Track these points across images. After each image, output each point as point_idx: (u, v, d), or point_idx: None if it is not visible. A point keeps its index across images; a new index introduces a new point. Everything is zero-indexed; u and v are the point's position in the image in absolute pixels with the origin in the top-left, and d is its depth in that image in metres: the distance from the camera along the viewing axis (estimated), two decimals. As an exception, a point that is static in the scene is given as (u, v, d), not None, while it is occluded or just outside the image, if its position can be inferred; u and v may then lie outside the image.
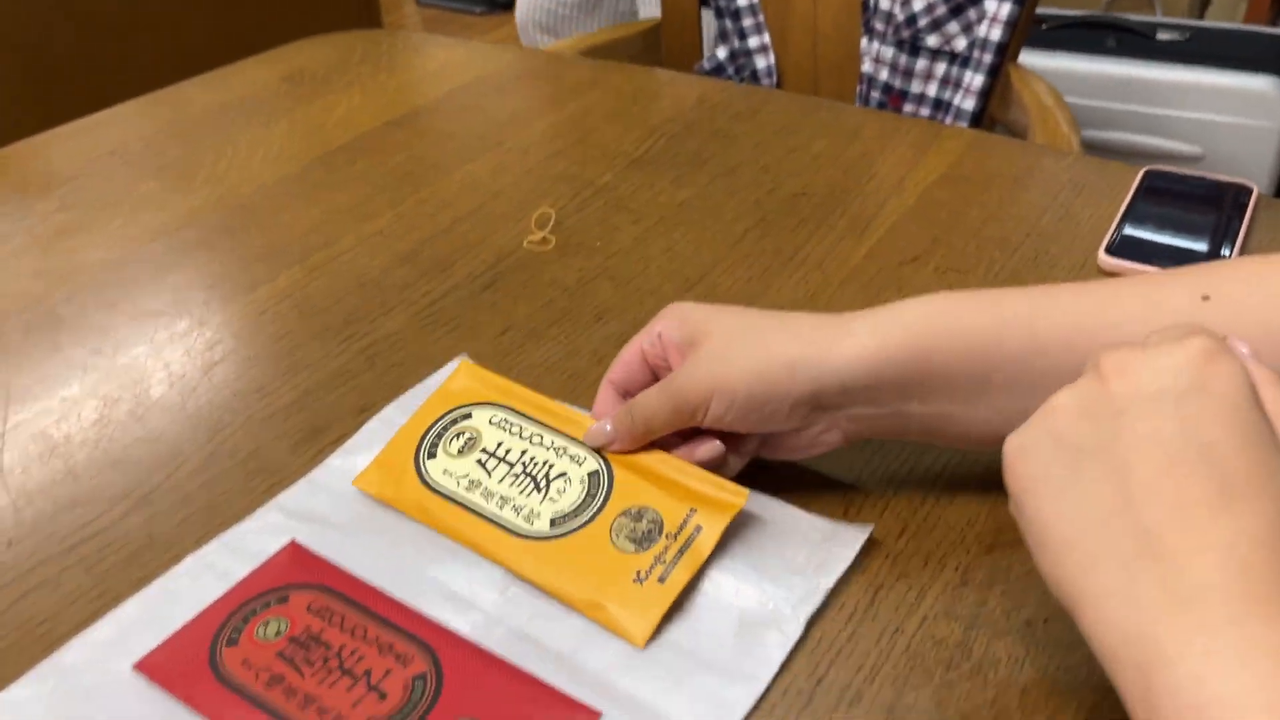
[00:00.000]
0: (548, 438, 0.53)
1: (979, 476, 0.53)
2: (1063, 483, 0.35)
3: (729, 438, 0.51)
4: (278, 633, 0.45)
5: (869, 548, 0.49)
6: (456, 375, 0.58)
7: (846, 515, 0.51)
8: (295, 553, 0.49)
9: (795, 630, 0.45)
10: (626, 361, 0.53)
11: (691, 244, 0.72)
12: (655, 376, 0.53)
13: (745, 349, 0.49)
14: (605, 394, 0.54)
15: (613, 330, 0.64)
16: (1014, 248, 0.70)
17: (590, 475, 0.51)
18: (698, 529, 0.49)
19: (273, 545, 0.50)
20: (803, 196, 0.77)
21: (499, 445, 0.53)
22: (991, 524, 0.50)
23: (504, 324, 0.65)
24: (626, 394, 0.53)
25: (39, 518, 0.53)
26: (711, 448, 0.50)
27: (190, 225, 0.77)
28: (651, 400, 0.50)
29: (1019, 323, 0.46)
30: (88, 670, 0.44)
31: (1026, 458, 0.36)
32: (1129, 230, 0.70)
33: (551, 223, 0.74)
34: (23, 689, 0.44)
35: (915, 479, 0.53)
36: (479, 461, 0.53)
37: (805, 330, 0.49)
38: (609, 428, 0.52)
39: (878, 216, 0.74)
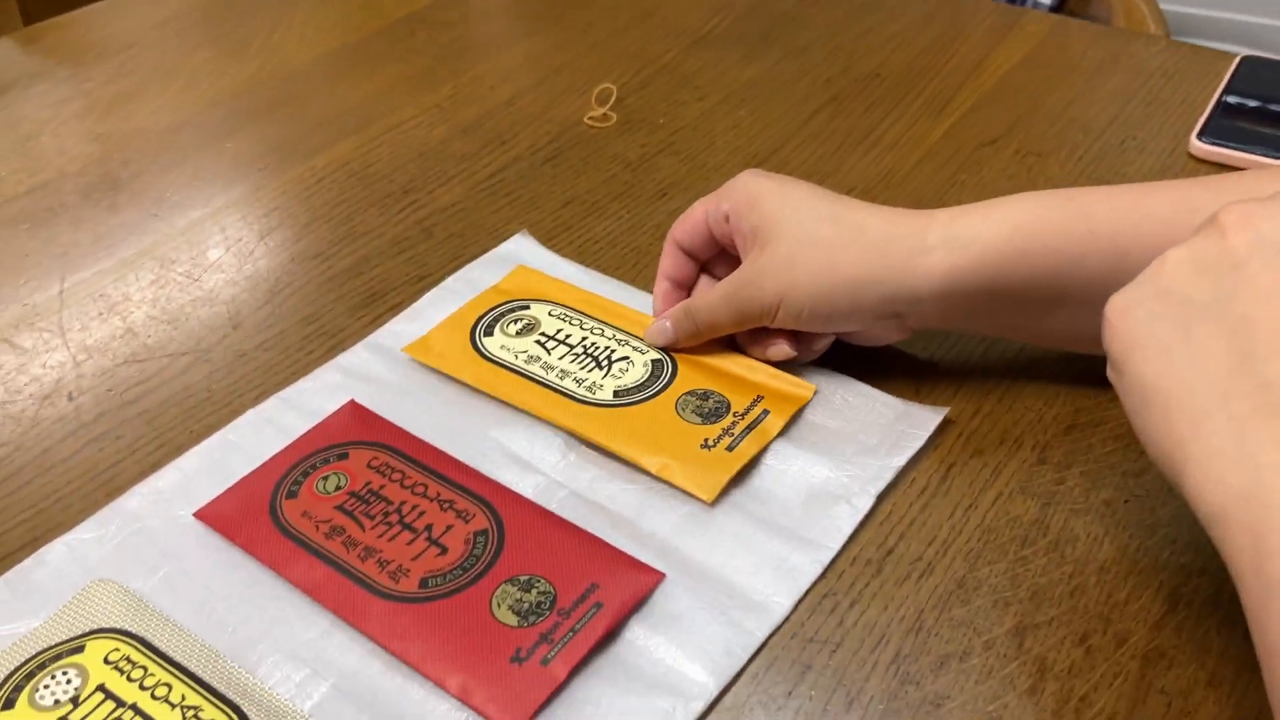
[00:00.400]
0: (609, 330, 0.52)
1: (1058, 356, 0.50)
2: (1171, 340, 0.33)
3: (800, 332, 0.49)
4: (337, 487, 0.45)
5: (942, 426, 0.47)
6: (512, 275, 0.56)
7: (919, 395, 0.49)
8: (355, 411, 0.49)
9: (865, 504, 0.44)
10: (693, 224, 0.51)
11: (759, 122, 0.70)
12: (717, 242, 0.51)
13: (813, 265, 0.46)
14: (669, 263, 0.52)
15: (676, 206, 0.62)
16: (1098, 133, 0.67)
17: (654, 362, 0.50)
18: (764, 413, 0.47)
19: (331, 404, 0.49)
20: (876, 78, 0.74)
21: (558, 331, 0.52)
22: (1070, 404, 0.48)
23: (565, 197, 0.63)
24: (689, 255, 0.51)
25: (99, 372, 0.52)
26: (780, 350, 0.49)
27: (248, 93, 0.75)
28: (716, 305, 0.48)
29: (1104, 238, 0.43)
30: (150, 516, 0.44)
31: (1132, 317, 0.34)
32: (1223, 116, 0.66)
33: (613, 99, 0.72)
34: (87, 531, 0.44)
35: (991, 358, 0.51)
36: (538, 341, 0.51)
37: (879, 242, 0.46)
38: (669, 326, 0.50)
39: (955, 98, 0.71)
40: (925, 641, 0.39)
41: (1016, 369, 0.50)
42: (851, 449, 0.46)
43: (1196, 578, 0.41)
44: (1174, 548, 0.42)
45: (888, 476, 0.45)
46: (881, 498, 0.44)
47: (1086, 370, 0.49)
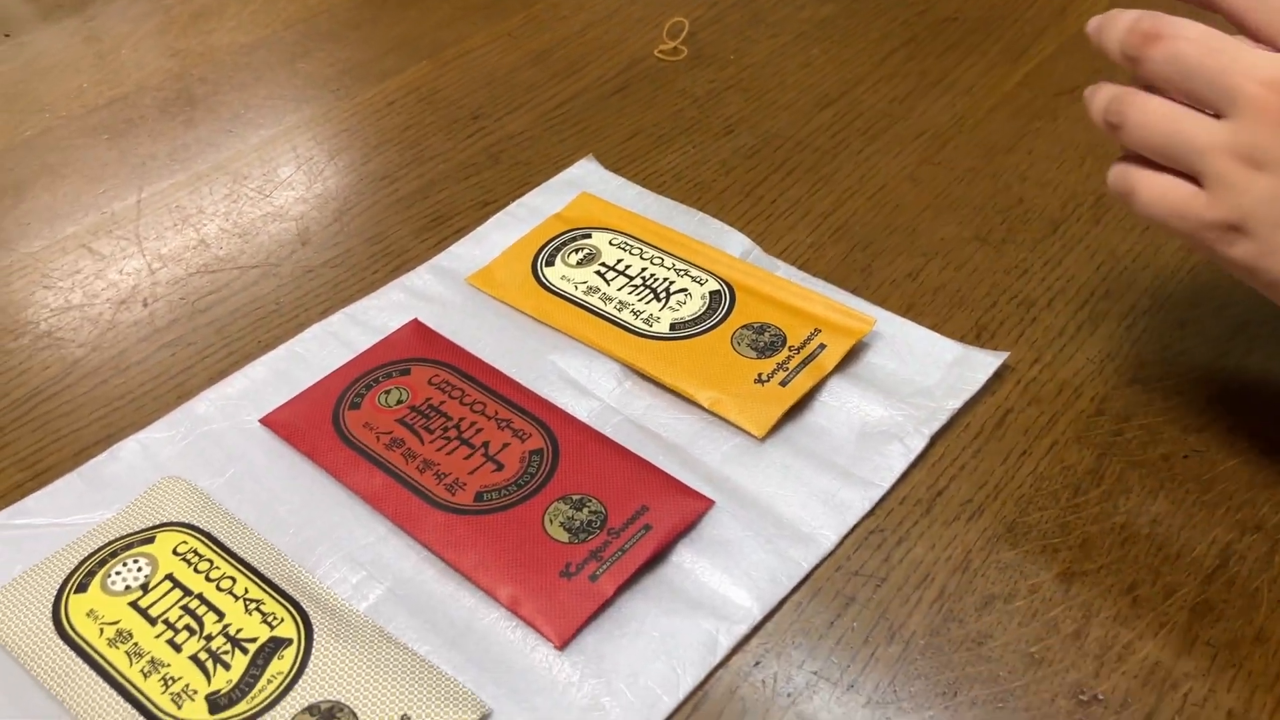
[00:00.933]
0: (668, 260, 0.52)
1: (1124, 309, 0.50)
2: None
3: None
4: (399, 401, 0.46)
5: (1000, 372, 0.47)
6: (575, 203, 0.56)
7: (979, 340, 0.49)
8: (418, 329, 0.50)
9: (918, 444, 0.44)
10: None
11: (832, 61, 0.69)
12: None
13: None
14: None
15: (743, 143, 0.62)
16: (1183, 85, 0.65)
17: (712, 293, 0.50)
18: (821, 346, 0.47)
19: (395, 322, 0.50)
20: (954, 21, 0.73)
21: (618, 261, 0.52)
22: (1133, 358, 0.47)
23: (631, 129, 0.63)
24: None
25: (172, 280, 0.54)
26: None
27: (322, 15, 0.76)
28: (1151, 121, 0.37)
29: None
30: (218, 420, 0.46)
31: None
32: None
33: (684, 33, 0.71)
34: (158, 431, 0.45)
35: (1055, 307, 0.50)
36: (597, 272, 0.52)
37: None
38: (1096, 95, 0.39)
39: (1035, 44, 0.69)
40: (971, 581, 0.39)
41: (1080, 320, 0.50)
42: (907, 389, 0.46)
43: (1251, 534, 0.40)
44: (1230, 504, 0.41)
45: (942, 418, 0.45)
46: (935, 439, 0.44)
47: (1154, 325, 0.49)
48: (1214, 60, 0.35)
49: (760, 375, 0.46)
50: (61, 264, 0.55)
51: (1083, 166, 0.59)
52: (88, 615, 0.38)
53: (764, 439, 0.44)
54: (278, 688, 0.35)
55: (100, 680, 0.36)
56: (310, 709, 0.35)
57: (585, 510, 0.41)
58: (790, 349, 0.47)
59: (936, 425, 0.44)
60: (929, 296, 0.51)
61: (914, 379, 0.47)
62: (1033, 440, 0.44)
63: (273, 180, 0.60)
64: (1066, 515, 0.41)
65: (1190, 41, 0.36)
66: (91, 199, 0.59)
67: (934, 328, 0.49)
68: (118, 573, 0.39)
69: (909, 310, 0.50)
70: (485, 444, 0.44)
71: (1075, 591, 0.39)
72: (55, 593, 0.38)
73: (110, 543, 0.40)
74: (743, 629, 0.38)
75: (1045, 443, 0.44)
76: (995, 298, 0.51)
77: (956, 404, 0.45)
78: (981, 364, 0.47)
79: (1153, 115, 0.37)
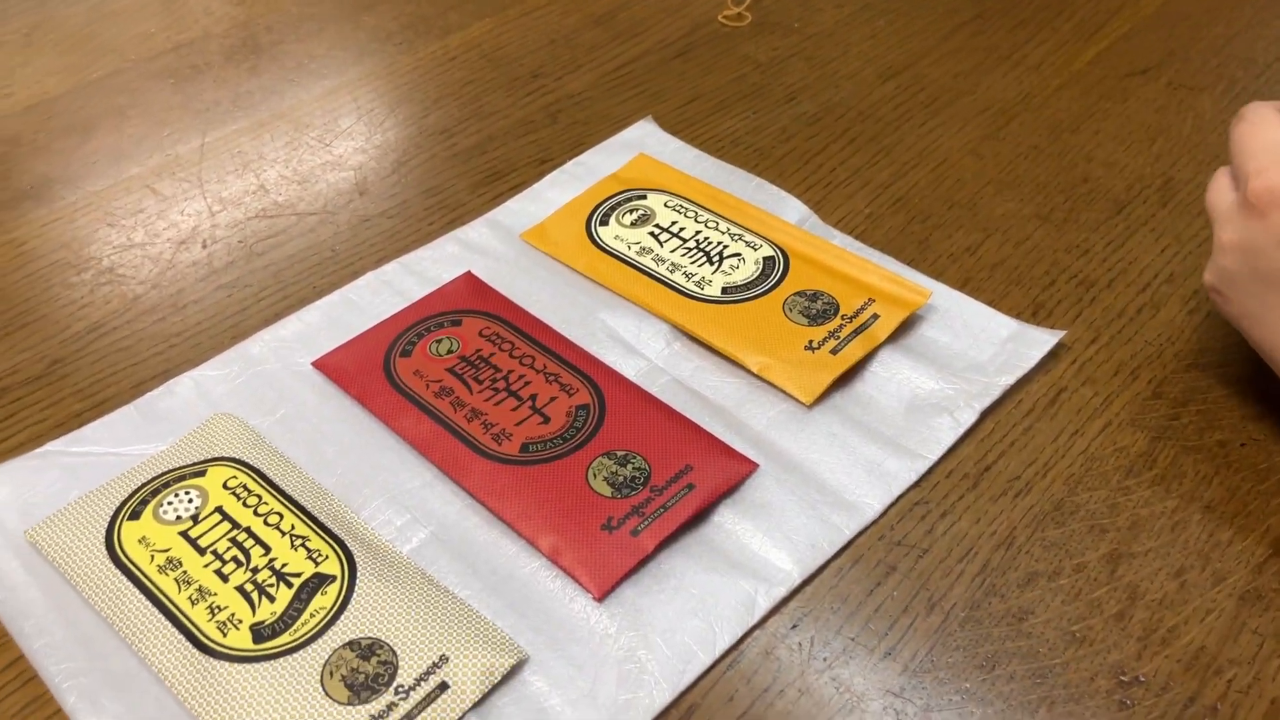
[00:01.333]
0: (723, 224, 0.52)
1: (1185, 294, 0.49)
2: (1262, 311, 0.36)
3: None
4: (449, 350, 0.46)
5: (1056, 351, 0.46)
6: (632, 164, 0.56)
7: (1035, 318, 0.48)
8: (470, 281, 0.50)
9: (968, 418, 0.43)
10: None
11: (898, 33, 0.68)
12: None
13: None
14: None
15: (804, 110, 0.61)
16: (1261, 68, 0.63)
17: (766, 259, 0.50)
18: (874, 316, 0.47)
19: (448, 273, 0.51)
20: (1025, -3, 0.71)
21: (673, 223, 0.52)
22: (1194, 343, 0.47)
23: (691, 93, 0.63)
24: None
25: (231, 224, 0.55)
26: None
27: (386, -31, 0.76)
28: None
29: None
30: (271, 361, 0.46)
31: (1225, 292, 0.40)
32: (1401, 62, 0.62)
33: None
34: (212, 369, 0.46)
35: (1116, 288, 0.49)
36: (651, 233, 0.52)
37: None
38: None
39: (1109, 23, 0.68)
40: (1014, 558, 0.39)
41: (1140, 302, 0.49)
42: (960, 363, 0.45)
43: (1307, 526, 0.39)
44: (1287, 495, 0.41)
45: (994, 394, 0.44)
46: (985, 414, 0.44)
47: (1216, 310, 0.48)
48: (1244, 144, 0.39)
49: (811, 342, 0.46)
50: (125, 203, 0.56)
51: (1152, 148, 0.57)
52: (139, 542, 0.38)
53: (811, 406, 0.44)
54: (320, 622, 0.36)
55: (149, 604, 0.36)
56: (351, 644, 0.35)
57: (629, 466, 0.41)
58: (843, 317, 0.47)
59: (988, 401, 0.44)
60: (986, 272, 0.50)
61: (967, 353, 0.46)
62: (1085, 420, 0.44)
63: (333, 130, 0.61)
64: (1116, 496, 0.41)
65: (1248, 124, 0.40)
66: (156, 141, 0.60)
67: (990, 304, 0.48)
68: (169, 503, 0.40)
69: (965, 285, 0.50)
70: (533, 397, 0.44)
71: (1121, 573, 0.38)
72: (109, 519, 0.39)
73: (163, 474, 0.41)
74: (781, 591, 0.38)
75: (1098, 423, 0.43)
76: (1054, 276, 0.50)
77: (1009, 380, 0.45)
78: (1037, 341, 0.46)
79: (1215, 183, 0.42)
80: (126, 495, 0.40)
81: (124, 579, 0.37)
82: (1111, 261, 0.51)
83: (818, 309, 0.47)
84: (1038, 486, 0.41)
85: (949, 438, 0.43)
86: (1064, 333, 0.46)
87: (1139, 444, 0.43)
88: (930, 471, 0.42)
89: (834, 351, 0.45)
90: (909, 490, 0.41)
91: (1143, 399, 0.44)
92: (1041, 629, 0.37)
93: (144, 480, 0.41)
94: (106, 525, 0.39)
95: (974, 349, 0.46)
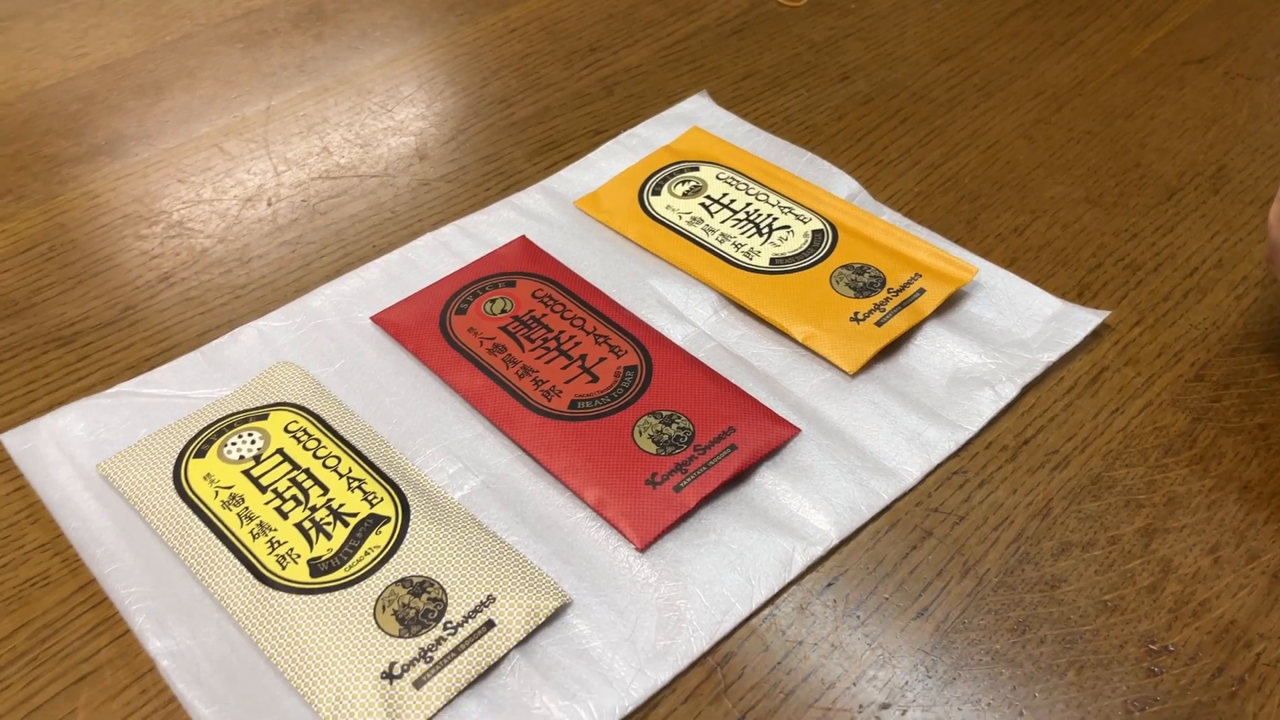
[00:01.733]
0: (773, 197, 0.53)
1: (1234, 281, 0.49)
2: None
3: None
4: (503, 310, 0.47)
5: (1099, 331, 0.47)
6: (685, 136, 0.57)
7: (1080, 299, 0.49)
8: (525, 245, 0.51)
9: (1010, 392, 0.44)
10: None
11: (954, 17, 0.68)
12: None
13: None
14: None
15: (858, 89, 0.62)
16: (1321, 61, 0.63)
17: (814, 232, 0.51)
18: (920, 291, 0.48)
19: (504, 237, 0.52)
20: (1084, -17, 0.71)
21: (724, 195, 0.53)
22: (1239, 328, 0.47)
23: (746, 70, 0.64)
24: None
25: (295, 183, 0.56)
26: None
27: (450, -57, 0.77)
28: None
29: None
30: (331, 314, 0.48)
31: None
32: None
33: (807, -20, 0.71)
34: (276, 320, 0.48)
35: (1163, 272, 0.50)
36: (702, 204, 0.53)
37: None
38: None
39: (1167, 12, 0.68)
40: (1050, 528, 0.40)
41: (1187, 287, 0.49)
42: (1003, 339, 0.46)
43: (1345, 509, 0.40)
44: (1326, 479, 0.41)
45: (1036, 370, 0.45)
46: (1026, 389, 0.44)
47: (1265, 297, 0.48)
48: None
49: (856, 314, 0.47)
50: (194, 160, 0.58)
51: (1205, 136, 0.57)
52: (205, 478, 0.40)
53: (854, 375, 0.45)
54: (374, 559, 0.37)
55: (213, 537, 0.38)
56: (403, 581, 0.37)
57: (674, 426, 0.42)
58: (889, 291, 0.48)
59: (1030, 376, 0.44)
60: (1033, 253, 0.51)
61: (1011, 330, 0.47)
62: (1127, 399, 0.44)
63: (395, 96, 0.62)
64: (1154, 474, 0.41)
65: None
66: (224, 103, 0.62)
67: (1036, 284, 0.49)
68: (233, 443, 0.42)
69: (1011, 265, 0.50)
70: (583, 356, 0.45)
71: (1155, 547, 0.39)
72: (176, 456, 0.41)
73: (228, 416, 0.43)
74: (818, 550, 0.39)
75: (1139, 402, 0.44)
76: (1101, 259, 0.51)
77: (1052, 357, 0.45)
78: (1081, 320, 0.47)
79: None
80: (193, 435, 0.42)
81: (189, 512, 0.39)
82: (1159, 246, 0.51)
83: (864, 282, 0.48)
84: (1076, 460, 0.42)
85: (989, 410, 0.43)
86: (1108, 313, 0.47)
87: (1179, 424, 0.43)
88: (970, 442, 0.43)
89: (879, 324, 0.46)
90: (948, 459, 0.42)
91: (1185, 380, 0.45)
92: (1074, 597, 0.37)
93: (210, 421, 0.43)
94: (174, 462, 0.41)
95: (1018, 326, 0.47)
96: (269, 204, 0.55)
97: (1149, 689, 0.35)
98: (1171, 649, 0.36)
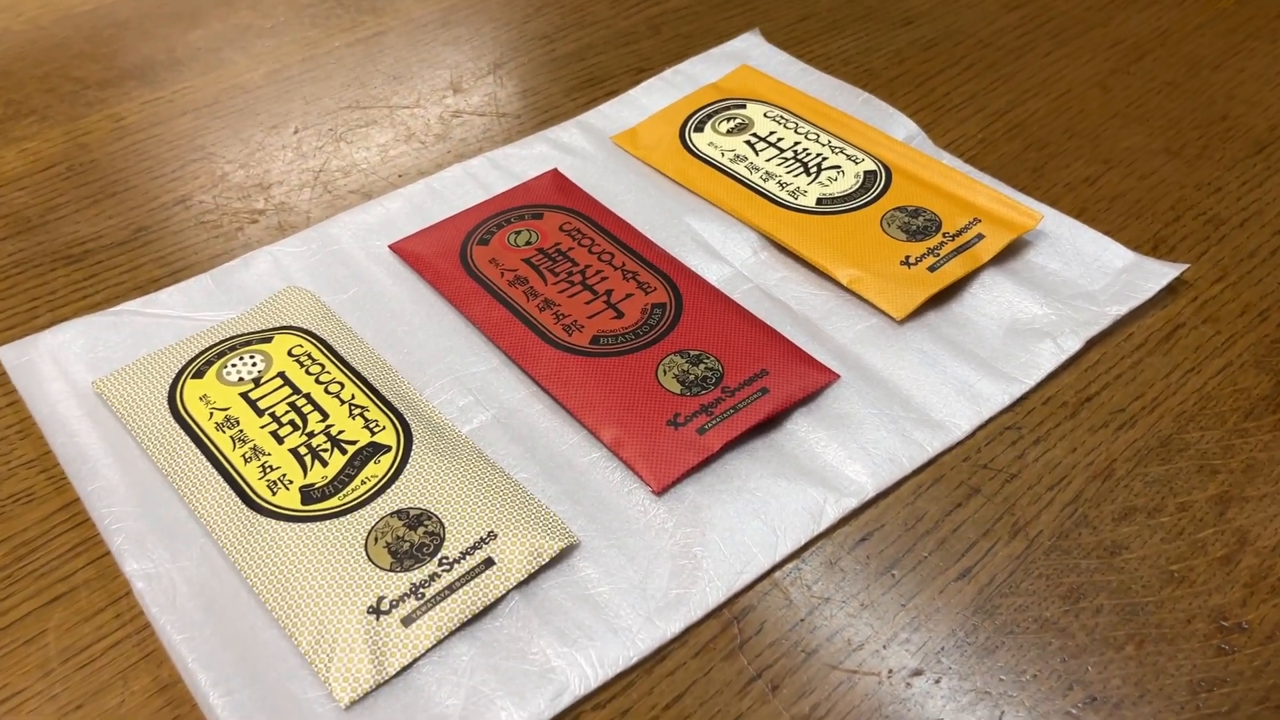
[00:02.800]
0: (824, 137, 0.49)
1: (1330, 239, 0.44)
2: None
3: None
4: (527, 242, 0.45)
5: (1175, 287, 0.43)
6: (734, 74, 0.54)
7: (1155, 252, 0.44)
8: (556, 178, 0.48)
9: (1073, 345, 0.40)
10: None
11: (1028, -37, 0.64)
12: None
13: None
14: None
15: (921, 34, 0.58)
16: None
17: (867, 173, 0.47)
18: (979, 236, 0.44)
19: (535, 171, 0.49)
20: (1172, -66, 0.66)
21: (771, 133, 0.50)
22: (1334, 289, 0.42)
23: (803, 12, 0.60)
24: None
25: (324, 112, 0.54)
26: None
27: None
28: None
29: None
30: (349, 241, 0.46)
31: None
32: None
33: (873, -75, 0.67)
34: (291, 246, 0.45)
35: (1249, 228, 0.45)
36: (747, 142, 0.49)
37: None
38: None
39: (1262, -38, 0.63)
40: (1112, 490, 0.36)
41: (1275, 244, 0.45)
42: (1068, 291, 0.42)
43: None
44: None
45: (1103, 323, 0.41)
46: (1091, 344, 0.40)
47: (1362, 254, 0.43)
48: None
49: (908, 258, 0.43)
50: (223, 88, 0.56)
51: (1301, 88, 0.53)
52: (200, 399, 0.38)
53: (902, 322, 0.41)
54: (370, 489, 0.35)
55: (203, 458, 0.36)
56: (399, 513, 0.34)
57: (701, 366, 0.39)
58: (945, 235, 0.44)
59: (1095, 330, 0.41)
60: (1104, 204, 0.47)
61: (1077, 281, 0.43)
62: (1204, 359, 0.40)
63: (432, 31, 0.60)
64: (1232, 438, 0.37)
65: None
66: (258, 32, 0.60)
67: (1106, 235, 0.45)
68: (233, 365, 0.39)
69: (1080, 215, 0.46)
70: (608, 292, 0.42)
71: (1231, 516, 0.35)
72: (174, 376, 0.39)
73: (230, 338, 0.40)
74: (852, 502, 0.35)
75: (1218, 363, 0.40)
76: (1180, 212, 0.46)
77: (1121, 310, 0.41)
78: (1155, 274, 0.43)
79: None
80: (193, 355, 0.40)
81: (181, 432, 0.37)
82: (1246, 201, 0.47)
83: (918, 225, 0.44)
84: (1144, 421, 0.38)
85: (1049, 364, 0.40)
86: (1186, 266, 0.43)
87: (1262, 387, 0.39)
88: (1026, 397, 0.39)
89: (932, 269, 0.43)
90: (1001, 414, 0.38)
91: (1270, 341, 0.41)
92: (1136, 565, 0.34)
93: (212, 342, 0.40)
94: (170, 382, 0.39)
95: (1085, 278, 0.43)
96: (295, 132, 0.53)
97: (1218, 668, 0.31)
98: (1245, 626, 0.32)
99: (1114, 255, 0.44)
